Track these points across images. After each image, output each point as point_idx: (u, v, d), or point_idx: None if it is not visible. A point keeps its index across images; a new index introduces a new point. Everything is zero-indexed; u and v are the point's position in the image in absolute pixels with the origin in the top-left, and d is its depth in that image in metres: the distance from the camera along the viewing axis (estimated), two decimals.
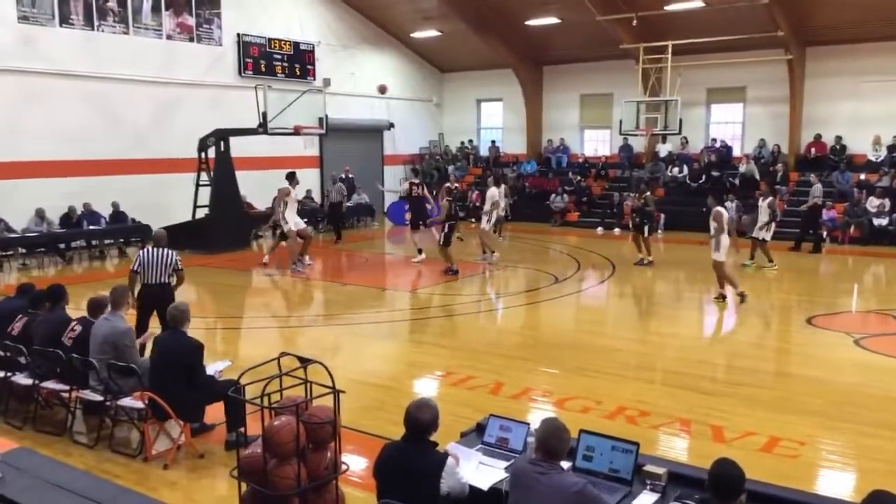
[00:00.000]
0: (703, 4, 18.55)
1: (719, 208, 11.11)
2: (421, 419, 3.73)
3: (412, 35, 24.13)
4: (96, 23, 16.99)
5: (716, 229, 10.89)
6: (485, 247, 15.27)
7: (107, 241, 16.69)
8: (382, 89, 21.83)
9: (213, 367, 6.24)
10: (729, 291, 11.40)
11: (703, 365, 8.12)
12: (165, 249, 7.94)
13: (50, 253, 15.66)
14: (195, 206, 17.10)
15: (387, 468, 3.74)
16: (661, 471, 3.89)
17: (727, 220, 11.13)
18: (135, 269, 7.91)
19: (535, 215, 21.77)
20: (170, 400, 5.56)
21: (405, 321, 10.72)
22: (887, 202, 17.52)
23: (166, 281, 7.91)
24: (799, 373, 8.13)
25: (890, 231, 17.24)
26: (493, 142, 26.10)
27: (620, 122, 20.50)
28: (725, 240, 10.98)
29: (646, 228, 14.85)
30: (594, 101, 24.12)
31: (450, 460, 3.65)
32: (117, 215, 16.78)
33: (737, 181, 20.03)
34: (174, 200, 17.52)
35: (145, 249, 8.04)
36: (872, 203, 17.63)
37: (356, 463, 5.58)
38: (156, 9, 18.09)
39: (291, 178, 14.73)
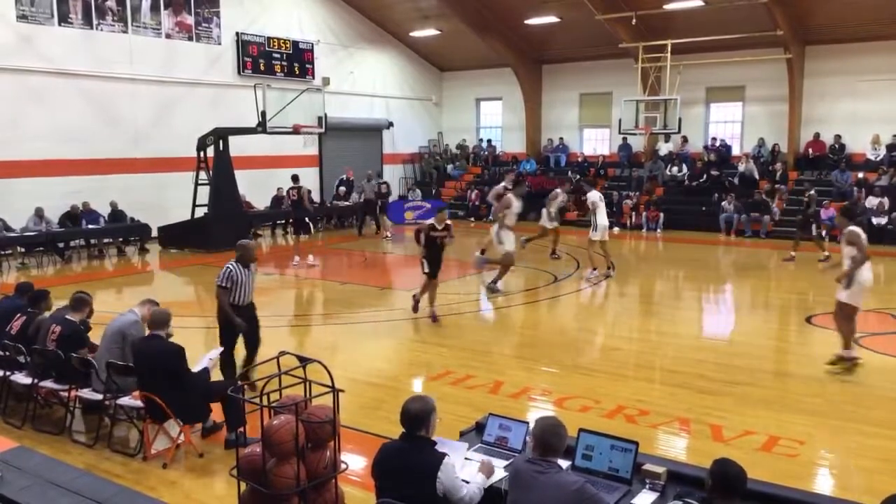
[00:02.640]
0: (702, 3, 18.55)
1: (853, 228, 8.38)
2: (410, 409, 3.72)
3: (411, 34, 24.12)
4: (95, 22, 16.98)
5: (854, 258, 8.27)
6: (592, 261, 13.25)
7: (106, 241, 16.68)
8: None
9: (205, 358, 6.09)
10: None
11: (702, 364, 8.12)
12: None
13: (49, 252, 15.65)
14: (194, 205, 17.10)
15: (384, 467, 3.73)
16: (660, 470, 3.89)
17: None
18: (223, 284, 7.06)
19: (534, 214, 21.69)
20: (167, 402, 5.56)
21: (404, 320, 10.70)
22: (886, 201, 17.51)
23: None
24: (798, 372, 8.13)
25: (889, 230, 17.22)
26: (489, 140, 26.10)
27: (620, 121, 20.51)
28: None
29: (813, 227, 15.19)
30: (593, 100, 24.11)
31: (447, 460, 3.63)
32: (116, 214, 16.77)
33: (736, 180, 20.05)
34: (173, 199, 17.54)
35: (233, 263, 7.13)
36: (871, 202, 17.63)
37: (355, 462, 5.58)
38: (155, 7, 18.08)
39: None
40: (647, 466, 3.93)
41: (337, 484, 4.11)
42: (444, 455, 3.65)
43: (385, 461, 3.74)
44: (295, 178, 15.44)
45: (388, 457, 3.74)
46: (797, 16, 18.73)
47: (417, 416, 3.70)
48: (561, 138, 24.47)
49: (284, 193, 15.09)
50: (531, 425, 4.42)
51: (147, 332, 5.95)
